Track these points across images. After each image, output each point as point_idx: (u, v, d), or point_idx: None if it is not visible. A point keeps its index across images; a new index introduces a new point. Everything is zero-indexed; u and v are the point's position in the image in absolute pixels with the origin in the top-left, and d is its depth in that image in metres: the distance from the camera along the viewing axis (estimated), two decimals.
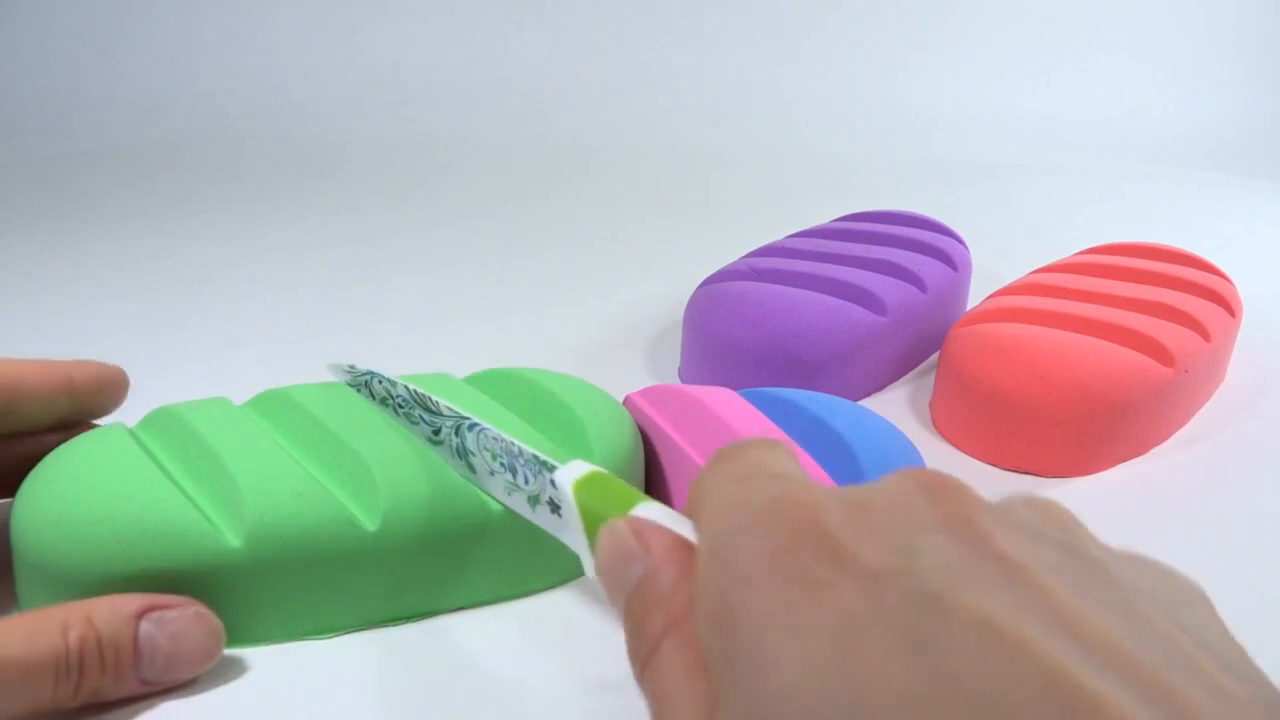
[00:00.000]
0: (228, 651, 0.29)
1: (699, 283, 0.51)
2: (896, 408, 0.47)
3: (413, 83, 1.27)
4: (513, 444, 0.28)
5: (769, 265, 0.50)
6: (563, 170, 1.01)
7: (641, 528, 0.19)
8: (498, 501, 0.30)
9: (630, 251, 0.73)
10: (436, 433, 0.30)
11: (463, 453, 0.30)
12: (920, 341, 0.50)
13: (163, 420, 0.32)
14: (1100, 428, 0.40)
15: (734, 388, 0.38)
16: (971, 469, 0.42)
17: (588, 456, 0.33)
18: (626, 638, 0.18)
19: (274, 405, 0.33)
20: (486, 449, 0.29)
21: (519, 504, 0.28)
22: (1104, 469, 0.41)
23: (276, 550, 0.28)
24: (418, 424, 0.31)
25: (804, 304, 0.45)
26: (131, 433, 0.32)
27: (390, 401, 0.32)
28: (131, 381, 0.33)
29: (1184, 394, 0.43)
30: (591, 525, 0.23)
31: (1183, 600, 0.15)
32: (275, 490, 0.29)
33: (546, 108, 1.23)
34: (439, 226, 0.79)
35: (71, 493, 0.28)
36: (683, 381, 0.49)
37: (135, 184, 0.92)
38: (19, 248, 0.71)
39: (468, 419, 0.30)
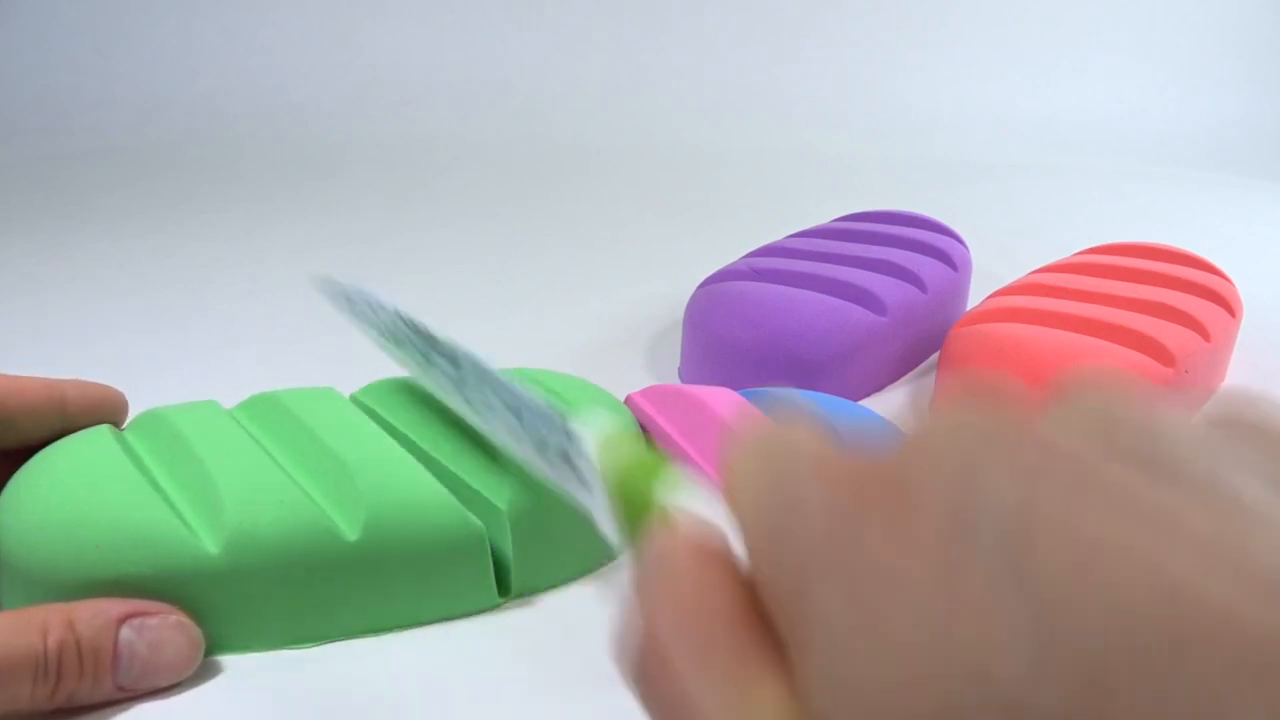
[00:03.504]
0: (209, 659, 0.28)
1: (699, 283, 0.51)
2: (896, 408, 0.47)
3: (413, 83, 1.26)
4: (523, 392, 0.26)
5: (769, 265, 0.50)
6: (563, 170, 1.01)
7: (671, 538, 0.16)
8: (497, 440, 0.27)
9: (630, 251, 0.73)
10: (426, 357, 0.28)
11: (459, 384, 0.27)
12: (920, 341, 0.50)
13: (150, 423, 0.32)
14: None
15: (734, 388, 0.38)
16: None
17: None
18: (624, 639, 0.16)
19: (263, 410, 0.33)
20: (489, 387, 0.27)
21: (524, 449, 0.25)
22: None
23: (255, 558, 0.28)
24: (404, 345, 0.29)
25: (804, 304, 0.45)
26: (118, 436, 0.31)
27: (376, 322, 0.30)
28: (131, 382, 0.33)
29: (1184, 394, 0.43)
30: (613, 484, 0.19)
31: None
32: (256, 497, 0.28)
33: (546, 108, 1.23)
34: (439, 226, 0.79)
35: (54, 496, 0.28)
36: (683, 381, 0.49)
37: (135, 184, 0.92)
38: (19, 248, 0.71)
39: (470, 355, 0.28)
